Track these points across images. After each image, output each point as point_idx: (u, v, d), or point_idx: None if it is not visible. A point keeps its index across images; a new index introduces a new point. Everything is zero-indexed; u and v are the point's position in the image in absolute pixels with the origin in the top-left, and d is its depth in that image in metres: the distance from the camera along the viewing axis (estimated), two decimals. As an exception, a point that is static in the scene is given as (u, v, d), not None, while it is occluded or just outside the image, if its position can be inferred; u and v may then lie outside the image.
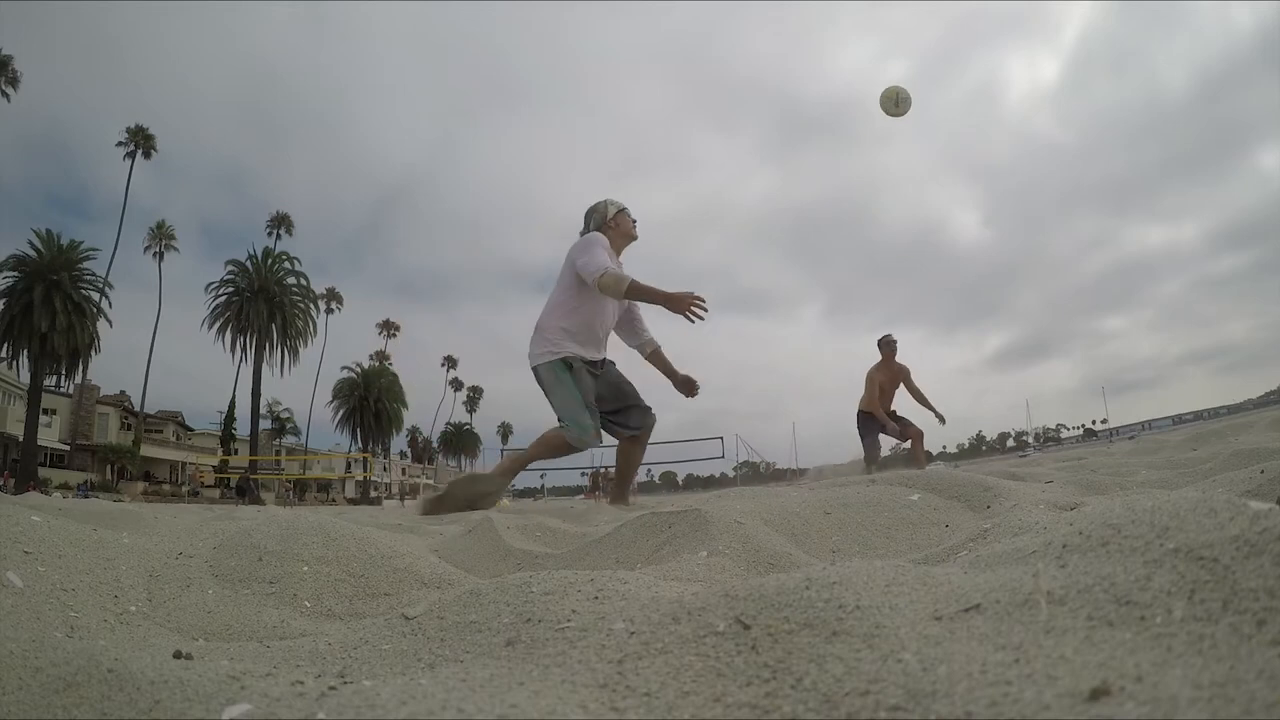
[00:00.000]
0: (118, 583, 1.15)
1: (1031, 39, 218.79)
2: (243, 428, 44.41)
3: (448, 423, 75.06)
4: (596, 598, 0.70)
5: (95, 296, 36.21)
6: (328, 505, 29.56)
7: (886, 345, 7.34)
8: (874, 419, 7.05)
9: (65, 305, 33.97)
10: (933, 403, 7.17)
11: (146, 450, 40.06)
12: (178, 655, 0.68)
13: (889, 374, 7.28)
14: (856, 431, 7.18)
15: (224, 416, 45.78)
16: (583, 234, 3.97)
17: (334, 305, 53.34)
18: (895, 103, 4.57)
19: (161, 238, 42.73)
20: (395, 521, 3.03)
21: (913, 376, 7.28)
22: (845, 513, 1.62)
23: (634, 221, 4.07)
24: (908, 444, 7.04)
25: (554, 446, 3.78)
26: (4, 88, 33.14)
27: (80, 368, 36.28)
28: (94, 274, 36.49)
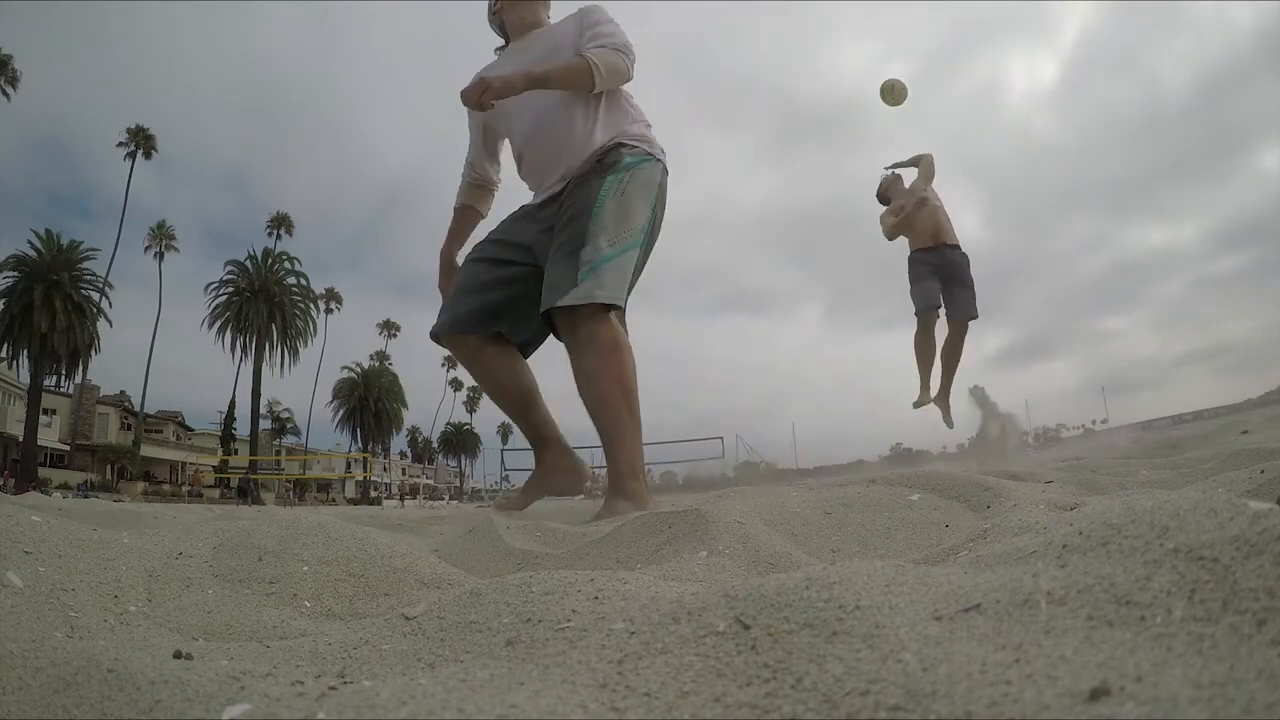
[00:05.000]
0: (118, 583, 1.15)
1: (1031, 39, 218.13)
2: (243, 428, 44.51)
3: (448, 423, 75.05)
4: (596, 598, 0.70)
5: (95, 296, 36.31)
6: (328, 505, 29.54)
7: (891, 176, 5.49)
8: (921, 255, 5.27)
9: (65, 305, 34.04)
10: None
11: (146, 450, 40.08)
12: (178, 655, 0.68)
13: (914, 197, 5.26)
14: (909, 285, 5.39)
15: (224, 416, 45.89)
16: None
17: (334, 305, 53.37)
18: (891, 91, 4.71)
19: (162, 238, 42.77)
20: (395, 522, 3.03)
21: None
22: (845, 513, 1.62)
23: None
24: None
25: None
26: (4, 87, 33.18)
27: (80, 368, 36.35)
28: (94, 274, 36.60)
